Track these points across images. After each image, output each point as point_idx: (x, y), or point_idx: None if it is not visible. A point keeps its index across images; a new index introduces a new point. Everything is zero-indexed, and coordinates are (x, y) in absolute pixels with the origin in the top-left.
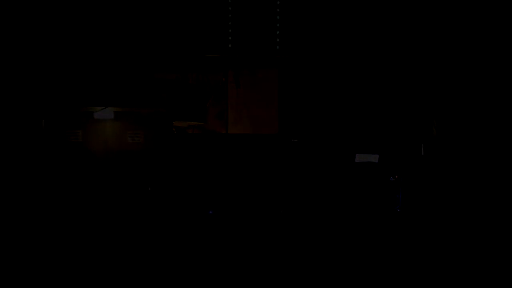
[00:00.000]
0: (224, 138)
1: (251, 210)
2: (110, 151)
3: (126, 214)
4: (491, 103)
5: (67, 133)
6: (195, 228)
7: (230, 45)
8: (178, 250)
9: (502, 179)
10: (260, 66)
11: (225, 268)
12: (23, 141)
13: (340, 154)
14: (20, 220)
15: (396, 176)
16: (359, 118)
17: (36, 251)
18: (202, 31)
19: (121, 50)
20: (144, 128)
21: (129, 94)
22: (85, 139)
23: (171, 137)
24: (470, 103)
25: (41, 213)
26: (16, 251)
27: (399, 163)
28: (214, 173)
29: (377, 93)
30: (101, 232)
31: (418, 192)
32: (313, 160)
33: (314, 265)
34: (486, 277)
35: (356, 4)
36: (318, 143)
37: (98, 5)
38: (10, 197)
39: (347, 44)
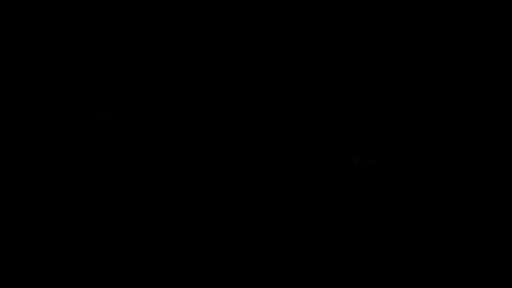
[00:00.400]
0: (222, 140)
1: (251, 211)
2: (107, 152)
3: (124, 216)
4: (491, 107)
5: (64, 134)
6: (194, 229)
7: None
8: (178, 251)
9: (501, 184)
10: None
11: (225, 269)
12: (18, 143)
13: (338, 156)
14: (20, 219)
15: (394, 179)
16: (357, 120)
17: (35, 250)
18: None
19: (120, 54)
20: (142, 129)
21: (126, 97)
22: (82, 140)
23: (169, 139)
24: (469, 106)
25: (40, 214)
26: (17, 249)
27: (396, 166)
28: (213, 174)
29: (375, 95)
30: (99, 234)
31: (415, 195)
32: (311, 162)
33: (315, 266)
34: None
35: (353, 4)
36: (314, 145)
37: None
38: (10, 197)
39: (345, 44)
